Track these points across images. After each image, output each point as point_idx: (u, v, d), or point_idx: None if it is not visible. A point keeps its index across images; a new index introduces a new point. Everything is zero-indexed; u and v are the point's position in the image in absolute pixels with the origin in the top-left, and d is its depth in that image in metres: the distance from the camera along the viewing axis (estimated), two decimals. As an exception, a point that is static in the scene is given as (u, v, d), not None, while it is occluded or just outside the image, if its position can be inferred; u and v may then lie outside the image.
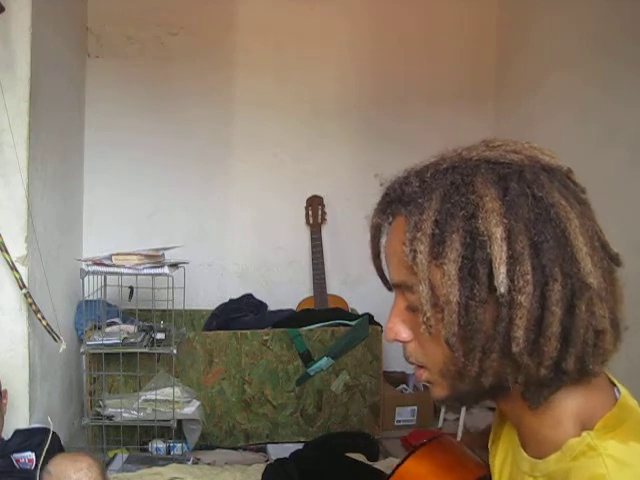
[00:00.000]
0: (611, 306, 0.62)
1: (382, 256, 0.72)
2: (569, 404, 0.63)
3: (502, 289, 0.57)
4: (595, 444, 0.59)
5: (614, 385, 0.67)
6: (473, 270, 0.58)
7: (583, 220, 0.61)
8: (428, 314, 0.61)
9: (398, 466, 0.88)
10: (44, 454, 1.44)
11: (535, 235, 0.58)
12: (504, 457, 0.76)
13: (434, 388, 0.69)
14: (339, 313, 2.57)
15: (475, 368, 0.62)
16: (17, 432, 1.78)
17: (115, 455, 2.12)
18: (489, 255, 0.58)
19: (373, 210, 0.71)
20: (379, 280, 0.75)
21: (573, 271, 0.59)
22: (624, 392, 0.66)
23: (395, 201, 0.67)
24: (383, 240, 0.71)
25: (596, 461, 0.57)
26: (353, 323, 2.44)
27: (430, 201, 0.62)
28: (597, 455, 0.58)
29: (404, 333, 0.68)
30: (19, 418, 1.87)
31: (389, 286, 0.72)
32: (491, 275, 0.58)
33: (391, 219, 0.69)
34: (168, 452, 2.17)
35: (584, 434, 0.60)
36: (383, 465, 1.88)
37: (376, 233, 0.71)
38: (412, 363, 0.69)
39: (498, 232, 0.57)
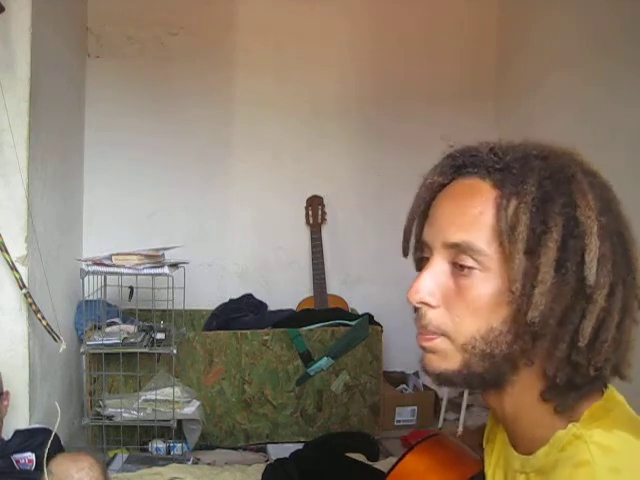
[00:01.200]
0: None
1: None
2: None
3: (591, 281, 0.59)
4: (580, 433, 0.60)
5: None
6: (566, 255, 0.60)
7: None
8: (518, 284, 0.61)
9: (397, 462, 0.89)
10: (46, 453, 1.44)
11: (614, 245, 0.62)
12: (497, 459, 0.77)
13: (438, 359, 0.66)
14: (339, 313, 2.57)
15: (542, 352, 0.63)
16: (17, 432, 1.78)
17: (115, 455, 2.12)
18: (584, 246, 0.60)
19: (431, 169, 0.71)
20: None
21: (630, 288, 0.63)
22: (611, 387, 0.67)
23: (470, 165, 0.67)
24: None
25: (581, 448, 0.59)
26: (353, 323, 2.44)
27: (530, 177, 0.62)
28: (582, 443, 0.59)
29: (433, 297, 0.66)
30: (19, 418, 1.87)
31: (407, 251, 0.73)
32: (579, 266, 0.60)
33: (452, 179, 0.69)
34: (168, 452, 2.17)
35: (570, 425, 0.62)
36: (383, 465, 1.88)
37: (427, 192, 0.71)
38: (426, 333, 0.66)
39: (595, 228, 0.60)
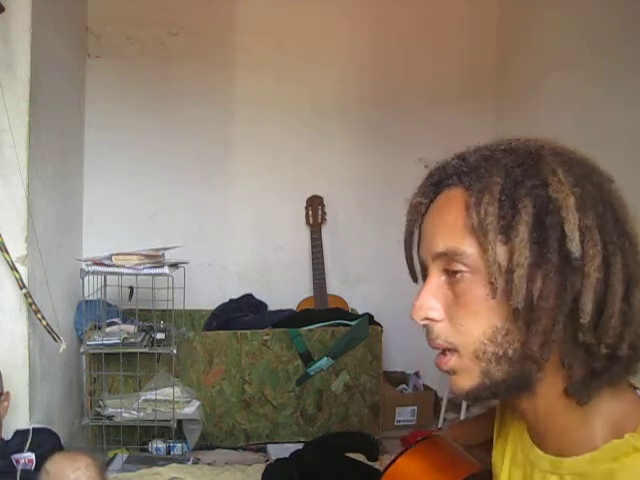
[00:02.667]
0: None
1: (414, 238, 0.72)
2: (599, 403, 0.63)
3: (577, 253, 0.58)
4: None
5: (635, 388, 0.66)
6: (544, 234, 0.59)
7: None
8: (496, 275, 0.60)
9: (390, 465, 0.87)
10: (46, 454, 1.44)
11: (601, 215, 0.60)
12: (512, 456, 0.75)
13: (460, 378, 0.66)
14: (339, 313, 2.57)
15: (539, 339, 0.61)
16: (17, 432, 1.78)
17: (115, 455, 2.12)
18: (561, 220, 0.58)
19: (414, 192, 0.71)
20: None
21: (631, 256, 0.60)
22: None
23: (445, 178, 0.68)
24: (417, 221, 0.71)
25: None
26: (353, 323, 2.44)
27: (497, 169, 0.62)
28: None
29: (435, 312, 0.66)
30: (19, 418, 1.87)
31: (415, 275, 0.72)
32: (561, 241, 0.58)
33: (434, 197, 0.69)
34: (168, 452, 2.17)
35: (627, 436, 0.59)
36: (383, 465, 1.88)
37: (415, 213, 0.71)
38: (438, 346, 0.66)
39: (570, 201, 0.58)
